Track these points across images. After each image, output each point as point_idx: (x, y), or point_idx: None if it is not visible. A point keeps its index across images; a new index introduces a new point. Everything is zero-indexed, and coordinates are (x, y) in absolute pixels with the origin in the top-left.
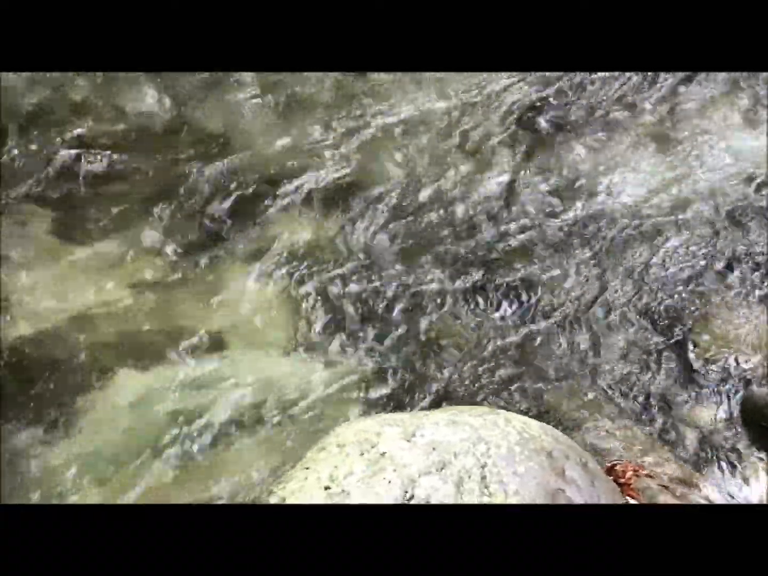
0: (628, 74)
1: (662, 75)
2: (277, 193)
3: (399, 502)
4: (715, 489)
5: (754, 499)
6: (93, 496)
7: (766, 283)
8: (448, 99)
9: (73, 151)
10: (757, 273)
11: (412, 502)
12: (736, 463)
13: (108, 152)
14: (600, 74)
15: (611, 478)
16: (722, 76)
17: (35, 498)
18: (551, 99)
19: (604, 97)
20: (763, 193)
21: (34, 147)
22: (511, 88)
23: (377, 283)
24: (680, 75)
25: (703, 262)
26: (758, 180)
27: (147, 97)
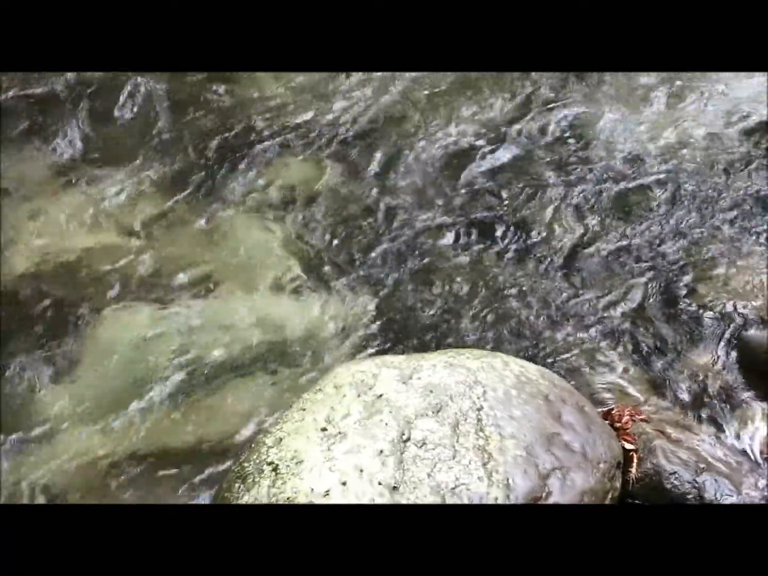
0: None
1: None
2: (275, 134)
3: (395, 443)
4: (712, 434)
5: (756, 447)
6: (91, 435)
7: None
8: None
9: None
10: (757, 219)
11: (408, 444)
12: (733, 408)
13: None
14: None
15: (608, 422)
16: None
17: (32, 434)
18: None
19: None
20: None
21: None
22: None
23: (376, 223)
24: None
25: (703, 209)
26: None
27: None
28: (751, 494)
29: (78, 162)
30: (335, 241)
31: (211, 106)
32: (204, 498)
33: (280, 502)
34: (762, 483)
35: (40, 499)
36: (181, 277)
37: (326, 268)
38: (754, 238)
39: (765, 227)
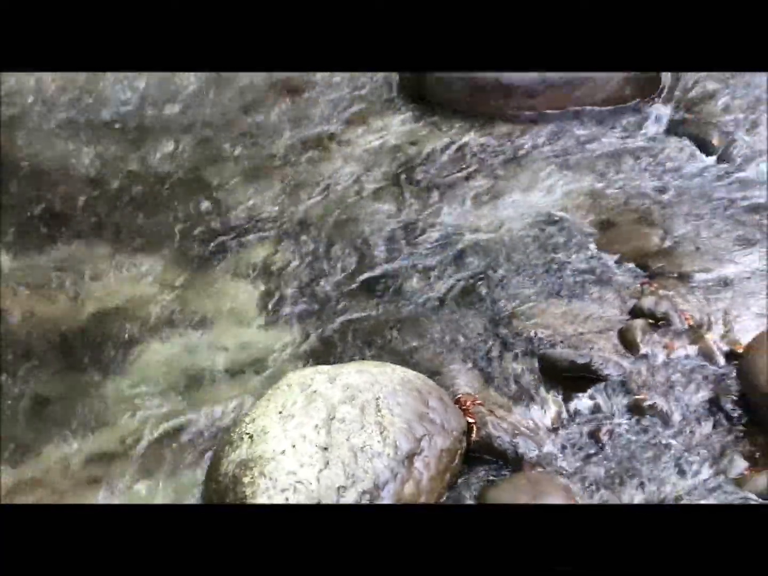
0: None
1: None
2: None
3: (325, 420)
4: (523, 413)
5: (548, 421)
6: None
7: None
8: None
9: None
10: (552, 277)
11: (334, 420)
12: (536, 396)
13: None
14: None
15: (457, 406)
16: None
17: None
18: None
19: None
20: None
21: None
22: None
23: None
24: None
25: (521, 271)
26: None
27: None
28: (545, 450)
29: (108, 246)
30: (290, 291)
31: (199, 205)
32: (207, 453)
33: (254, 458)
34: (551, 443)
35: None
36: (186, 318)
37: (282, 311)
38: (550, 288)
39: (553, 281)
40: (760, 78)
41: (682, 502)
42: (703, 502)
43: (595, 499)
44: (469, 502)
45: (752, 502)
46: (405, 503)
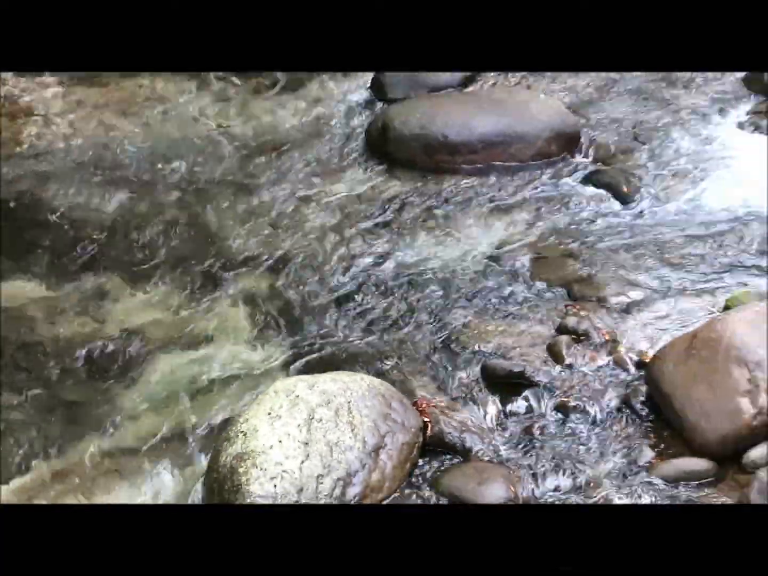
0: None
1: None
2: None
3: (306, 420)
4: (470, 413)
5: (490, 419)
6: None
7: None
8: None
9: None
10: (491, 300)
11: (313, 420)
12: (481, 400)
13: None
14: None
15: (415, 407)
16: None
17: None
18: None
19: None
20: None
21: None
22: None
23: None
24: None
25: (465, 296)
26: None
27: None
28: (488, 443)
29: (125, 277)
30: (276, 315)
31: (200, 244)
32: (208, 448)
33: (248, 452)
34: (493, 438)
35: None
36: (189, 337)
37: (270, 331)
38: (490, 310)
39: (493, 304)
40: (666, 135)
41: (680, 503)
42: (704, 502)
43: (530, 483)
44: (427, 487)
45: (750, 503)
46: (396, 504)
